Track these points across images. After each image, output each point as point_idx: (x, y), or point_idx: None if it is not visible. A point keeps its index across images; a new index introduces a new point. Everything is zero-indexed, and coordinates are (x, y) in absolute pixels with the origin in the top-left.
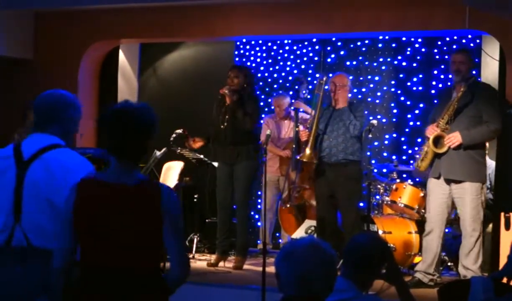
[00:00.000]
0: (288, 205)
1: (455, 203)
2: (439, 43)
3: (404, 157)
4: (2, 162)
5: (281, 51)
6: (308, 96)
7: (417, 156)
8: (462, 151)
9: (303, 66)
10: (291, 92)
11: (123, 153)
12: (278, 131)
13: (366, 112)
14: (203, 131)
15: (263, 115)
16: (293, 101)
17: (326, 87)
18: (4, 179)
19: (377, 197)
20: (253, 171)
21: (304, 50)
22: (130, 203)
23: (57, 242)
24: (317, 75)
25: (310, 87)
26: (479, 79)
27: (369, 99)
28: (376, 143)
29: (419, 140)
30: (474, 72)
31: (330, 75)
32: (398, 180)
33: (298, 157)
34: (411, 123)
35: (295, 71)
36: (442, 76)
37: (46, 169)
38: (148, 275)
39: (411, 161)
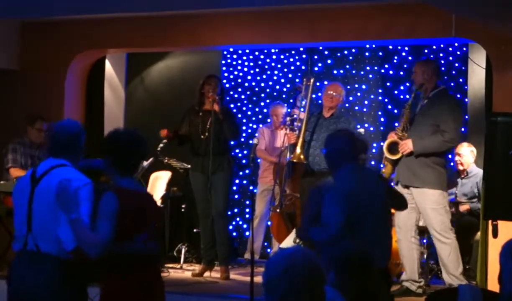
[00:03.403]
0: (278, 210)
1: (420, 210)
2: (426, 51)
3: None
4: (22, 181)
5: (268, 60)
6: (302, 108)
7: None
8: (415, 158)
9: (290, 75)
10: (278, 101)
11: (134, 169)
12: (273, 141)
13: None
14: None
15: (251, 125)
16: (289, 110)
17: (314, 95)
18: (23, 196)
19: None
20: (231, 181)
21: (291, 59)
22: (150, 205)
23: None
24: (304, 79)
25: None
26: (466, 86)
27: (356, 108)
28: None
29: None
30: (460, 80)
31: (317, 83)
32: None
33: (289, 159)
34: None
35: (282, 80)
36: None
37: (49, 182)
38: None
39: None
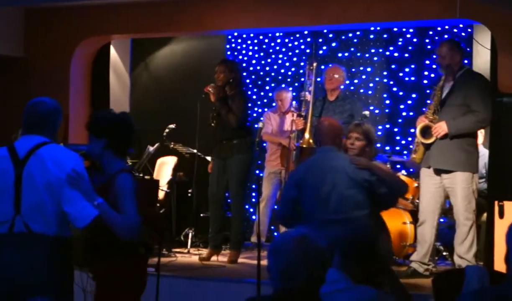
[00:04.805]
0: None
1: (448, 193)
2: (431, 33)
3: (397, 148)
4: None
5: (272, 44)
6: (308, 92)
7: (411, 147)
8: (450, 141)
9: (295, 59)
10: (283, 85)
11: (128, 150)
12: (281, 125)
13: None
14: (194, 126)
15: (256, 109)
16: (294, 94)
17: (319, 79)
18: (4, 177)
19: None
20: (247, 165)
21: (296, 43)
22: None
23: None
24: (307, 63)
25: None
26: (471, 68)
27: (361, 91)
28: None
29: (412, 130)
30: (466, 61)
31: (322, 67)
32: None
33: (298, 145)
34: (403, 114)
35: (287, 64)
36: (434, 66)
37: (40, 163)
38: None
39: (405, 152)
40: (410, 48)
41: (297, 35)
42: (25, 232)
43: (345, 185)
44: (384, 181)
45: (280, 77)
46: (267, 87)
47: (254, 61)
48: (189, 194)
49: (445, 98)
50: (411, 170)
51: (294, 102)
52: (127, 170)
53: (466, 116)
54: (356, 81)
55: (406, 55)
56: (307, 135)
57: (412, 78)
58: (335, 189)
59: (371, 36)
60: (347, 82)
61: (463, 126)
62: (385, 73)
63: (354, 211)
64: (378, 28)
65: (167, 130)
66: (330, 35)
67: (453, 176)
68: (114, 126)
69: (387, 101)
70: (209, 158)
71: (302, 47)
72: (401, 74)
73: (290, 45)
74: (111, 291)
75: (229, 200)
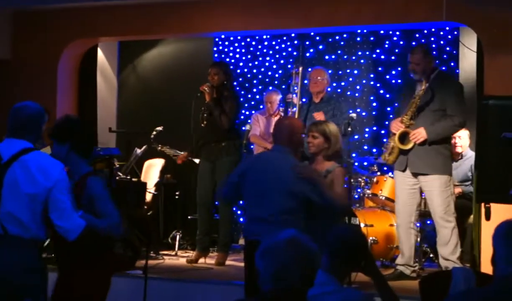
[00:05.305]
0: None
1: (425, 196)
2: (417, 35)
3: (384, 150)
4: None
5: (260, 46)
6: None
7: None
8: (428, 146)
9: (282, 61)
10: (270, 87)
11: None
12: (268, 127)
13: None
14: (182, 128)
15: (244, 111)
16: (281, 97)
17: (306, 81)
18: None
19: (358, 190)
20: (235, 167)
21: (283, 45)
22: None
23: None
24: (294, 67)
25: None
26: (457, 70)
27: (348, 93)
28: (356, 137)
29: None
30: (452, 64)
31: (309, 69)
32: (378, 173)
33: None
34: (390, 116)
35: (274, 67)
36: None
37: (25, 169)
38: None
39: None
40: (396, 50)
41: (284, 38)
42: (1, 233)
43: (280, 188)
44: (321, 193)
45: (267, 80)
46: (255, 90)
47: (241, 64)
48: (177, 196)
49: (421, 103)
50: None
51: (281, 107)
52: (94, 173)
53: (443, 121)
54: (343, 83)
55: (393, 57)
56: None
57: (399, 81)
58: (269, 190)
59: (358, 39)
60: (334, 84)
61: (441, 131)
62: (371, 75)
63: (283, 215)
64: (365, 31)
65: (154, 133)
66: (317, 38)
67: (430, 179)
68: (76, 129)
69: (374, 104)
70: (197, 161)
71: (289, 49)
72: (387, 77)
73: (277, 47)
74: (77, 290)
75: (216, 203)
